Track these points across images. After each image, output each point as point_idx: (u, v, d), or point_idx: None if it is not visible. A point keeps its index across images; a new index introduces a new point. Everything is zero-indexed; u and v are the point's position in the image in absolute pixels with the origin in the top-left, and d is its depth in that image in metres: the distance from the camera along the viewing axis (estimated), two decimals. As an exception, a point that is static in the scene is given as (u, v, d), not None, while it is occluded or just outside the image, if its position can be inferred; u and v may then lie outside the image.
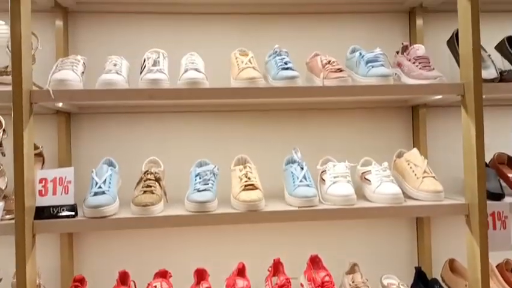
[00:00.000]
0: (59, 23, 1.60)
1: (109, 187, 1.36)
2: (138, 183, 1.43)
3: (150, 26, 1.68)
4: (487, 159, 1.49)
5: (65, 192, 1.31)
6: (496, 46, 1.59)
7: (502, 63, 1.56)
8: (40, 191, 1.30)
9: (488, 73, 1.43)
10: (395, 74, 1.54)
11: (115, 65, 1.42)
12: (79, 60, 1.42)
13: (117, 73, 1.39)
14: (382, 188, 1.43)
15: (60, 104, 1.42)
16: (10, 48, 1.34)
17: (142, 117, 1.67)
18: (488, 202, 1.36)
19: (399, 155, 1.61)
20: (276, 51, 1.52)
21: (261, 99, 1.46)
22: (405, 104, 1.72)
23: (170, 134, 1.67)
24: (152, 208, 1.32)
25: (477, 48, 1.35)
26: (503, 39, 1.57)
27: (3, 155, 1.41)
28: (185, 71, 1.41)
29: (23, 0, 1.27)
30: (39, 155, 1.50)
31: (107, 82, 1.33)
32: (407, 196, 1.47)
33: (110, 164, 1.47)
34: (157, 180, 1.43)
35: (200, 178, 1.43)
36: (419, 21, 1.73)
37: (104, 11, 1.65)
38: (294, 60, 1.51)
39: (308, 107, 1.71)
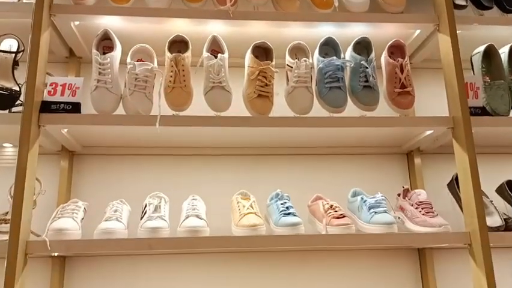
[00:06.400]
0: (64, 164, 1.62)
1: None
2: None
3: (152, 166, 1.70)
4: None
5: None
6: (497, 189, 1.59)
7: (505, 207, 1.55)
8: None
9: (493, 221, 1.42)
10: (399, 218, 1.52)
11: (115, 211, 1.40)
12: (80, 206, 1.41)
13: (117, 220, 1.37)
14: None
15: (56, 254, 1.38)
16: (12, 195, 1.35)
17: (141, 262, 1.61)
18: None
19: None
20: (278, 195, 1.52)
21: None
22: (412, 246, 1.68)
23: (169, 275, 1.61)
24: None
25: (479, 196, 1.36)
26: (503, 183, 1.58)
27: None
28: (186, 217, 1.39)
29: (31, 150, 1.31)
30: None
31: (106, 231, 1.30)
32: None
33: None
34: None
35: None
36: (417, 161, 1.76)
37: (108, 153, 1.68)
38: (296, 200, 1.50)
39: (310, 249, 1.65)
